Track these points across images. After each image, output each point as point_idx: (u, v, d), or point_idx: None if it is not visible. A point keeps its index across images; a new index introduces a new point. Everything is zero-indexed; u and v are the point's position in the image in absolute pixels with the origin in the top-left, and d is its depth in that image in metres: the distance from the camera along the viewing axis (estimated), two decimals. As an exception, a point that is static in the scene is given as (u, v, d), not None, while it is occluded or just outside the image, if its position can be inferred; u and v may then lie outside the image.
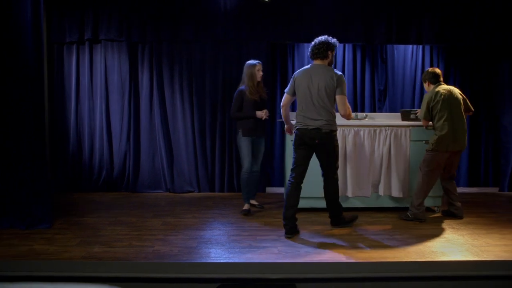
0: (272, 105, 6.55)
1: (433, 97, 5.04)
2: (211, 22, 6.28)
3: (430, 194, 5.45)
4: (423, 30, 6.35)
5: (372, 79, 6.77)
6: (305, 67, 4.75)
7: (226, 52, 6.47)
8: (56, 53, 6.43)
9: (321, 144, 4.55)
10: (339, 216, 4.84)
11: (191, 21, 6.28)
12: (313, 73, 4.59)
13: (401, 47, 6.77)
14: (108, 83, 6.48)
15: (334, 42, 4.69)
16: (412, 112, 5.59)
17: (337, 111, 4.66)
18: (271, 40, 6.39)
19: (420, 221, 5.08)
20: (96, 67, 6.48)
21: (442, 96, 5.01)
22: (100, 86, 6.47)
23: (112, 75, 6.48)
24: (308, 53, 4.74)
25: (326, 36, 4.68)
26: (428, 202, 5.50)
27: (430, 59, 6.78)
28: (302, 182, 4.65)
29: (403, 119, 5.75)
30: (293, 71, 6.66)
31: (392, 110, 6.73)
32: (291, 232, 4.54)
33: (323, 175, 4.75)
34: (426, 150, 5.11)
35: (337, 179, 4.76)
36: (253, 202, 5.69)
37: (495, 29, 6.37)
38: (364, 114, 6.23)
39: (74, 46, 6.41)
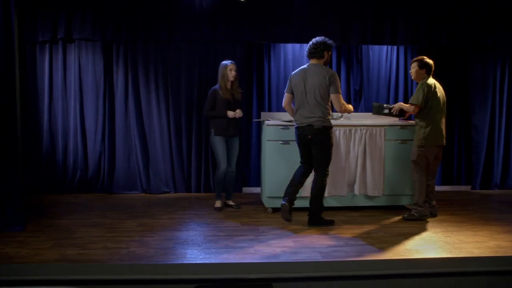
0: (248, 105, 6.56)
1: (431, 88, 5.06)
2: (187, 22, 6.23)
3: (407, 192, 5.53)
4: (397, 31, 6.43)
5: (347, 79, 6.83)
6: (301, 67, 4.92)
7: (201, 52, 6.44)
8: (29, 52, 6.30)
9: (313, 139, 4.75)
10: (318, 215, 4.89)
11: (166, 21, 6.22)
12: (308, 72, 4.80)
13: (376, 47, 6.85)
14: (82, 83, 6.38)
15: (330, 43, 4.87)
16: (385, 106, 5.52)
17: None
18: (247, 40, 6.38)
19: (424, 219, 5.14)
20: (70, 66, 6.38)
21: (437, 90, 5.09)
22: (74, 86, 6.36)
23: (87, 74, 6.38)
24: (306, 52, 4.94)
25: (323, 37, 4.86)
26: (405, 201, 5.58)
27: (404, 59, 6.87)
28: (309, 172, 4.95)
29: (375, 113, 5.59)
30: (270, 71, 6.70)
31: (367, 110, 6.80)
32: (284, 215, 4.77)
33: (314, 170, 4.90)
34: (417, 146, 5.07)
35: (324, 178, 4.86)
36: (229, 202, 5.70)
37: (467, 31, 6.49)
38: (339, 114, 6.27)
39: (47, 46, 6.29)
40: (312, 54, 4.83)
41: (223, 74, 5.44)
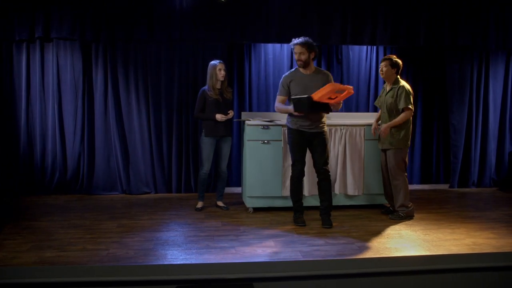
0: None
1: (410, 90, 5.11)
2: (167, 22, 6.19)
3: (382, 192, 5.58)
4: (377, 31, 6.48)
5: (327, 79, 6.87)
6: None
7: (182, 52, 6.41)
8: (5, 51, 6.18)
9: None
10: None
11: (146, 21, 6.16)
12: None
13: (356, 47, 6.91)
14: (60, 83, 6.29)
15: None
16: (302, 100, 4.69)
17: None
18: (227, 40, 6.36)
19: (410, 218, 5.19)
20: (47, 66, 6.28)
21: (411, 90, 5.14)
22: (52, 86, 6.27)
23: (65, 74, 6.29)
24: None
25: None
26: (385, 200, 5.63)
27: (383, 59, 6.94)
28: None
29: (296, 110, 4.78)
30: (250, 71, 6.71)
31: (347, 109, 6.86)
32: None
33: None
34: (395, 149, 5.06)
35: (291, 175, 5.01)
36: (219, 203, 5.70)
37: (444, 31, 6.58)
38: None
39: (24, 45, 6.18)
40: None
41: (211, 74, 5.39)
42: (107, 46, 6.30)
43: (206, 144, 5.46)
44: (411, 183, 6.95)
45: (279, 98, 4.95)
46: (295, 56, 4.82)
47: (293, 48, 4.82)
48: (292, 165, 4.94)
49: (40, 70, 6.25)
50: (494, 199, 6.38)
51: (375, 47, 6.92)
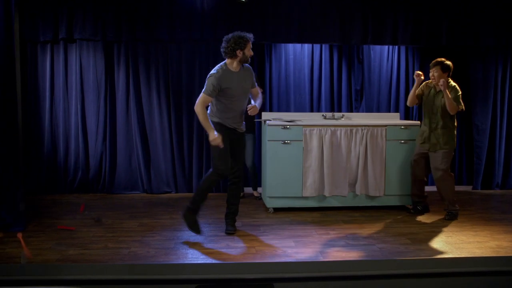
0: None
1: None
2: (188, 22, 6.23)
3: (408, 192, 5.53)
4: (398, 31, 6.42)
5: (348, 79, 6.82)
6: None
7: (203, 52, 6.44)
8: (30, 52, 6.30)
9: None
10: (190, 206, 4.54)
11: (167, 21, 6.22)
12: None
13: (377, 47, 6.84)
14: (83, 83, 6.39)
15: (243, 39, 4.37)
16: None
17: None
18: (248, 40, 6.36)
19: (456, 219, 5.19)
20: (71, 66, 6.38)
21: None
22: (75, 86, 6.37)
23: (88, 74, 6.39)
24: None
25: (238, 32, 4.42)
26: (406, 201, 5.57)
27: (405, 59, 6.87)
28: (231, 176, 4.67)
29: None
30: (271, 71, 6.70)
31: (368, 110, 6.80)
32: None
33: None
34: (448, 150, 5.07)
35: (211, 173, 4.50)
36: (254, 193, 6.25)
37: (467, 31, 6.48)
38: (341, 114, 6.27)
39: (48, 45, 6.30)
40: (223, 53, 4.43)
41: None
42: (129, 46, 6.38)
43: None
44: (432, 184, 6.85)
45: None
46: (250, 53, 4.45)
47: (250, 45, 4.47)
48: (216, 166, 4.48)
49: (64, 71, 6.35)
50: (519, 201, 6.26)
51: (396, 47, 6.84)
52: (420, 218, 5.27)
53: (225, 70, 4.39)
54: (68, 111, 6.41)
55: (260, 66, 6.66)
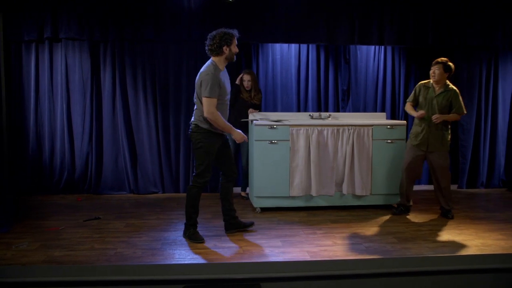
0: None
1: None
2: (175, 22, 6.21)
3: (394, 192, 5.57)
4: (384, 31, 6.46)
5: (335, 79, 6.86)
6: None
7: (190, 52, 6.42)
8: (14, 52, 6.23)
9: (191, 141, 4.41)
10: (186, 222, 4.48)
11: (154, 21, 6.19)
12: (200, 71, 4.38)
13: (364, 47, 6.88)
14: (69, 83, 6.33)
15: (229, 35, 4.31)
16: None
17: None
18: (235, 40, 6.36)
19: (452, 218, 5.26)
20: (56, 66, 6.32)
21: None
22: (60, 86, 6.31)
23: (73, 74, 6.33)
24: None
25: (222, 28, 4.35)
26: (392, 200, 5.61)
27: (391, 59, 6.92)
28: (225, 179, 4.62)
29: None
30: (258, 71, 6.70)
31: (355, 109, 6.84)
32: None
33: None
34: (447, 151, 5.18)
35: (194, 184, 4.35)
36: (242, 194, 6.22)
37: (453, 31, 6.55)
38: (327, 113, 6.29)
39: (33, 45, 6.23)
40: (209, 50, 4.31)
41: (241, 79, 6.01)
42: (115, 46, 6.33)
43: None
44: (419, 183, 6.93)
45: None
46: (236, 50, 4.37)
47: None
48: (201, 174, 4.33)
49: (49, 70, 6.29)
50: (503, 200, 6.34)
51: (382, 47, 6.89)
52: (407, 217, 5.31)
53: (216, 68, 4.25)
54: (53, 111, 6.35)
55: (247, 66, 6.65)
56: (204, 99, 4.14)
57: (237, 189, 6.37)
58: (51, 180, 6.37)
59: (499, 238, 4.51)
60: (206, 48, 4.34)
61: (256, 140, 5.41)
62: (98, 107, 6.40)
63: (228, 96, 4.42)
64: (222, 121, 4.19)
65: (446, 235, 4.59)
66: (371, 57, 6.94)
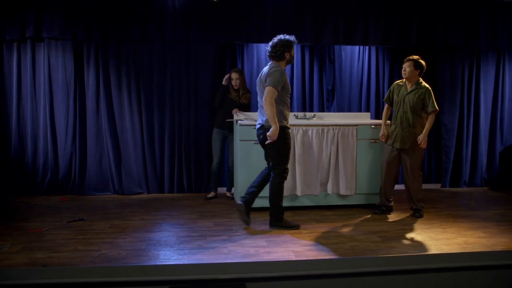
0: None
1: None
2: (160, 22, 6.17)
3: (377, 191, 5.61)
4: (369, 31, 6.50)
5: (320, 79, 6.89)
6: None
7: (174, 52, 6.39)
8: (-5, 51, 6.15)
9: (264, 140, 4.60)
10: (277, 217, 4.80)
11: (138, 21, 6.14)
12: (263, 74, 4.75)
13: (348, 48, 6.92)
14: (52, 83, 6.25)
15: (291, 41, 4.64)
16: None
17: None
18: (220, 40, 6.35)
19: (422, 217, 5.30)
20: (39, 66, 6.24)
21: None
22: (43, 86, 6.23)
23: (57, 74, 6.25)
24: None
25: (283, 35, 4.65)
26: (377, 199, 5.65)
27: (376, 59, 6.97)
28: (269, 176, 4.86)
29: None
30: (243, 71, 6.68)
31: (340, 109, 6.88)
32: (241, 217, 4.81)
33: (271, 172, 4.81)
34: (420, 150, 5.16)
35: (278, 180, 4.69)
36: (227, 194, 6.27)
37: (436, 31, 6.61)
38: (312, 113, 6.32)
39: (15, 45, 6.14)
40: (272, 57, 4.64)
41: (229, 78, 6.04)
42: (99, 46, 6.26)
43: (216, 136, 6.05)
44: (402, 182, 6.97)
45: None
46: (293, 54, 4.72)
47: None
48: (285, 168, 4.71)
49: (32, 70, 6.21)
50: (485, 198, 6.43)
51: (367, 47, 6.94)
52: (390, 216, 5.36)
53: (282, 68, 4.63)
54: (36, 111, 6.27)
55: (232, 65, 6.65)
56: (268, 88, 4.48)
57: (222, 189, 6.40)
58: (34, 181, 6.29)
59: (481, 236, 4.57)
60: (268, 54, 4.68)
61: (240, 140, 5.41)
62: (82, 107, 6.34)
63: (289, 95, 4.70)
64: (275, 111, 4.47)
65: (429, 234, 4.64)
66: (355, 57, 6.98)
